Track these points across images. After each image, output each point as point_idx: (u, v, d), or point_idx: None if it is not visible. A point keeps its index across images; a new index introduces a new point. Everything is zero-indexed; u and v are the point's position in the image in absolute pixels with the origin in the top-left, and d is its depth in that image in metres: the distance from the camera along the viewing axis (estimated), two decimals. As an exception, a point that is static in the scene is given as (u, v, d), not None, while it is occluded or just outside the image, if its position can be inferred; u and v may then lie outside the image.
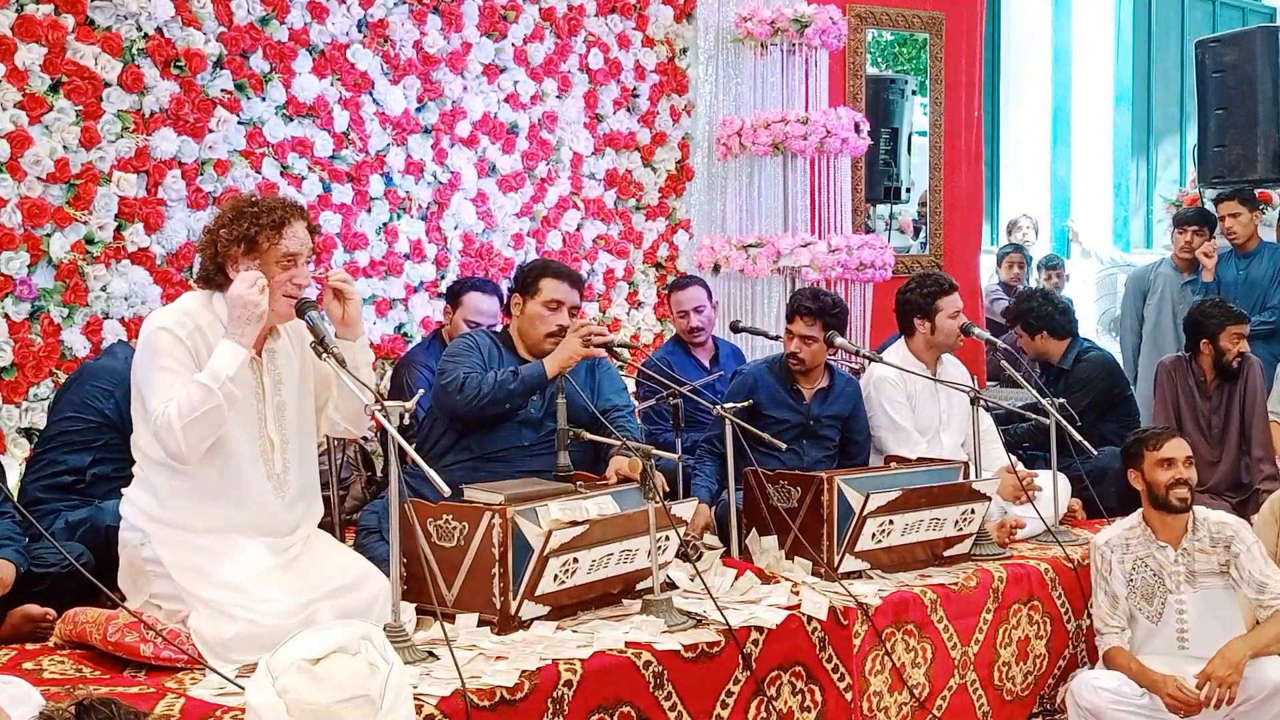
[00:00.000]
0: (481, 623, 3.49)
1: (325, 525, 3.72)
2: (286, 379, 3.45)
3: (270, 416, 3.40)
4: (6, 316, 4.78)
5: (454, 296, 5.32)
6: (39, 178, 4.83)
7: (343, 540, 4.16)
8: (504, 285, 5.47)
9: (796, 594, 3.90)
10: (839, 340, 4.75)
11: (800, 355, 4.79)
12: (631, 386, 5.25)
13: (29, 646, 3.43)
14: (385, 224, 5.95)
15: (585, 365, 4.35)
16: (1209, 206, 7.46)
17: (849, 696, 3.89)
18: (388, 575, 3.34)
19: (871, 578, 4.22)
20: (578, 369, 4.28)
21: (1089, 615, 4.56)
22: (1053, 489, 4.87)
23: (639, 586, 3.79)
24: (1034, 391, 4.87)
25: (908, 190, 7.58)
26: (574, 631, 3.51)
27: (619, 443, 3.96)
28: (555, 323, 4.22)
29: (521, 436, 4.19)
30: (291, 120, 5.60)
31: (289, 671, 2.60)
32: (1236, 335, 5.44)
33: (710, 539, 4.47)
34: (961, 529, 4.43)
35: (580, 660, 3.26)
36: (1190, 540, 4.14)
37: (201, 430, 3.21)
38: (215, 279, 3.36)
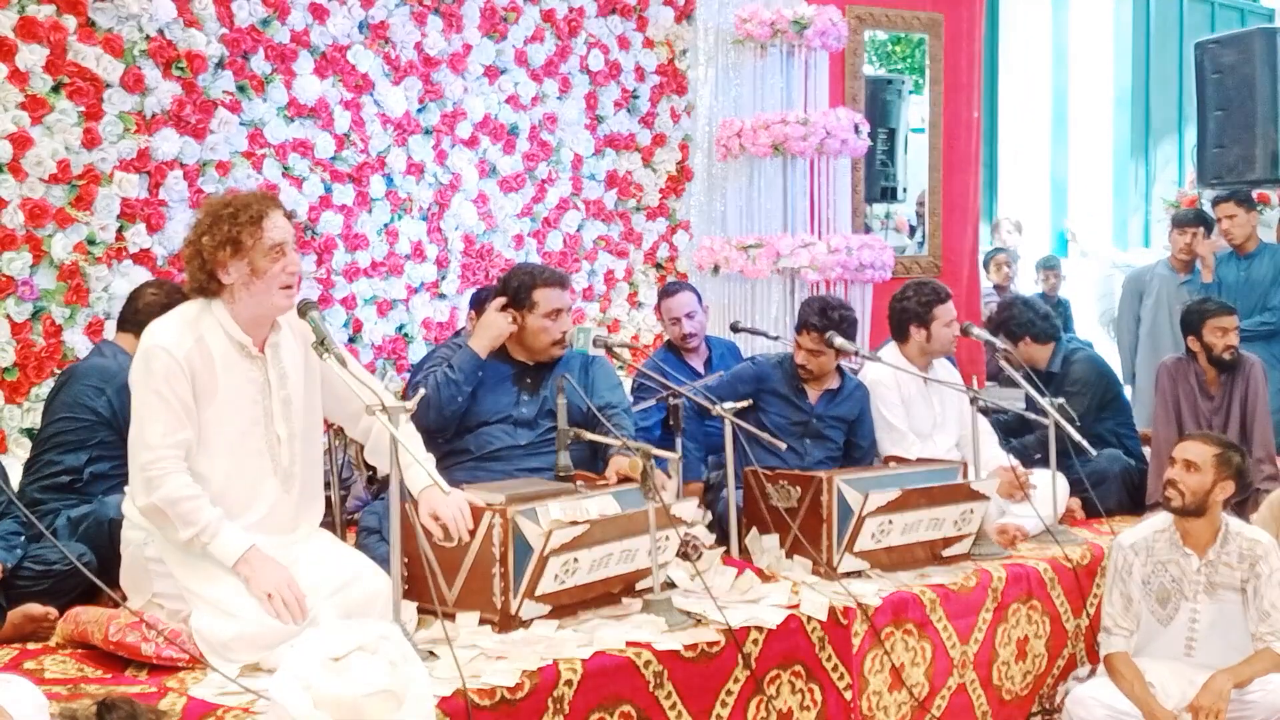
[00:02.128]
0: (482, 622, 3.50)
1: (326, 525, 3.73)
2: (291, 373, 3.43)
3: (277, 411, 3.38)
4: (8, 317, 4.79)
5: (480, 304, 5.32)
6: (41, 178, 4.84)
7: (343, 540, 4.16)
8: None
9: (796, 593, 3.91)
10: (838, 341, 4.75)
11: (809, 367, 4.82)
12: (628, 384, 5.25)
13: (31, 646, 3.44)
14: (386, 225, 5.96)
15: (580, 363, 4.36)
16: (1208, 208, 7.46)
17: (848, 696, 3.90)
18: (388, 574, 3.34)
19: (871, 577, 4.23)
20: (573, 367, 4.29)
21: (1088, 614, 4.57)
22: (1052, 489, 4.87)
23: (639, 586, 3.80)
24: (1033, 392, 4.88)
25: (904, 190, 7.58)
26: (574, 631, 3.51)
27: (619, 443, 3.97)
28: (559, 330, 4.24)
29: (517, 436, 4.20)
30: (293, 121, 5.61)
31: (312, 667, 2.62)
32: (1219, 329, 5.41)
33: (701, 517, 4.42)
34: (961, 529, 4.44)
35: (581, 660, 3.27)
36: (1217, 551, 4.06)
37: (157, 520, 3.24)
38: (209, 287, 3.32)
